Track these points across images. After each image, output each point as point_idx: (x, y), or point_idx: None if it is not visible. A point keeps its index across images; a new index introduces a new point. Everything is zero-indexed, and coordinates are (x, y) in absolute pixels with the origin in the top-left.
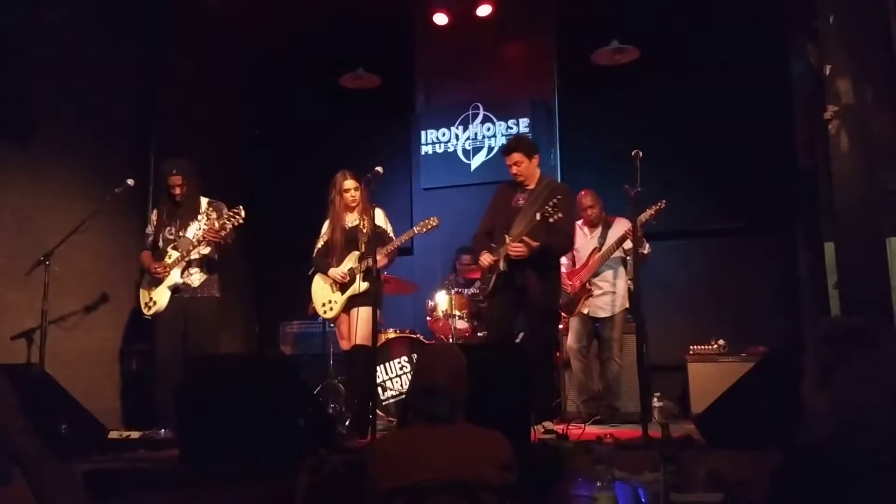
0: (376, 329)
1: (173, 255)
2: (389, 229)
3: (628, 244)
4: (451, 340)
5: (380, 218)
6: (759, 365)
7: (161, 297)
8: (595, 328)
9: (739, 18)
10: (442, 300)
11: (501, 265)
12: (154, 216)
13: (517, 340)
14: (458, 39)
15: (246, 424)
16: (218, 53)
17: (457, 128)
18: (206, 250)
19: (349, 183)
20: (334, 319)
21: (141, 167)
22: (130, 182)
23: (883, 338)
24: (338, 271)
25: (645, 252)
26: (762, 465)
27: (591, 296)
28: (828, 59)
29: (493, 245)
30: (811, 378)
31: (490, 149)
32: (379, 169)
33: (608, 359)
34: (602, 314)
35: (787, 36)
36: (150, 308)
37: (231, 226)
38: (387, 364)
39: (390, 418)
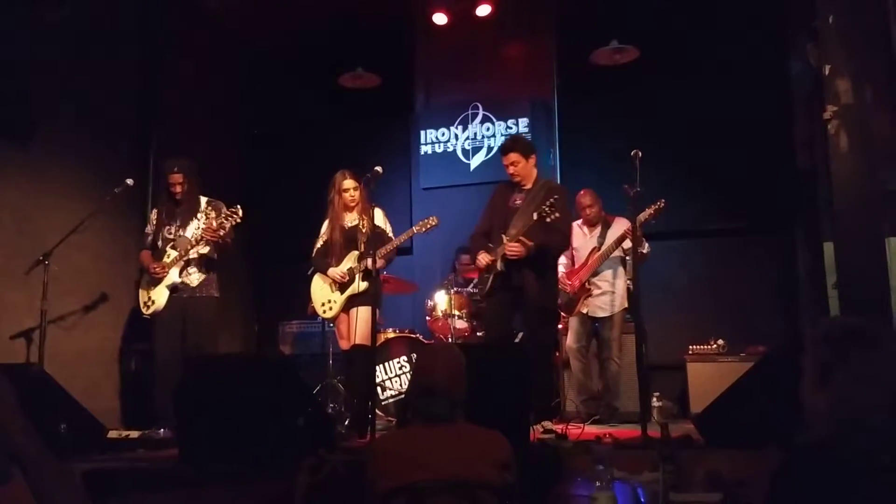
0: (375, 329)
1: (172, 254)
2: (389, 229)
3: (628, 244)
4: (450, 340)
5: (379, 218)
6: (758, 365)
7: (159, 296)
8: (594, 328)
9: (739, 18)
10: (441, 300)
11: (499, 265)
12: (154, 215)
13: (516, 340)
14: (457, 39)
15: (245, 424)
16: (218, 53)
17: (456, 127)
18: (204, 250)
19: (348, 182)
20: (333, 319)
21: (141, 167)
22: (130, 182)
23: (882, 338)
24: (337, 271)
25: (644, 252)
26: (762, 465)
27: (591, 295)
28: (827, 59)
29: (490, 245)
30: (811, 378)
31: (489, 149)
32: (378, 169)
33: (607, 358)
34: (601, 314)
35: (787, 36)
36: (148, 307)
37: (229, 225)
38: (386, 364)
39: (389, 418)
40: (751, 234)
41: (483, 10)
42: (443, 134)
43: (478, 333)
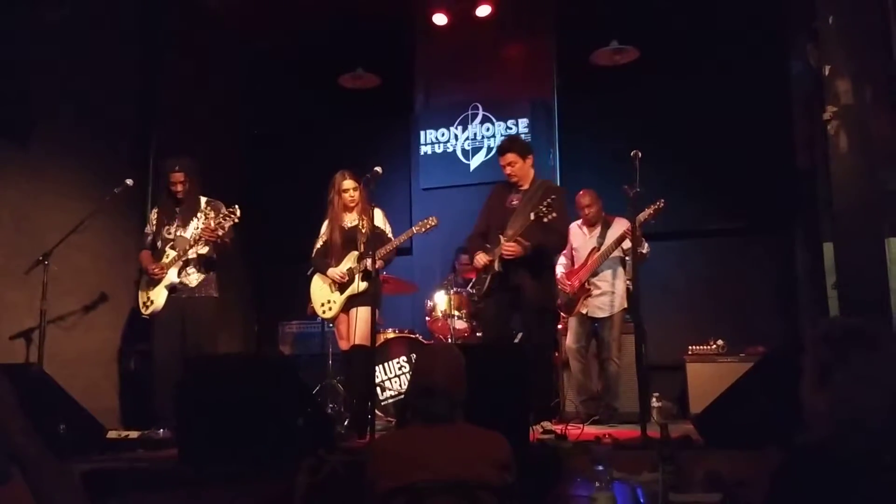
0: (375, 329)
1: (170, 254)
2: (388, 230)
3: (627, 244)
4: (450, 340)
5: (379, 218)
6: (758, 365)
7: (158, 296)
8: (594, 328)
9: (739, 18)
10: (441, 300)
11: (496, 265)
12: (153, 215)
13: (516, 340)
14: (457, 39)
15: (245, 424)
16: (218, 53)
17: (456, 128)
18: (203, 250)
19: (348, 183)
20: (333, 319)
21: (141, 167)
22: (129, 182)
23: (882, 338)
24: (336, 271)
25: (644, 252)
26: (761, 466)
27: (590, 296)
28: (827, 59)
29: (487, 245)
30: (810, 378)
31: (489, 149)
32: (378, 169)
33: (607, 359)
34: (601, 314)
35: (787, 36)
36: (147, 308)
37: (227, 225)
38: (386, 364)
39: (389, 418)
40: (750, 235)
41: (483, 11)
42: (442, 134)
43: (477, 334)
